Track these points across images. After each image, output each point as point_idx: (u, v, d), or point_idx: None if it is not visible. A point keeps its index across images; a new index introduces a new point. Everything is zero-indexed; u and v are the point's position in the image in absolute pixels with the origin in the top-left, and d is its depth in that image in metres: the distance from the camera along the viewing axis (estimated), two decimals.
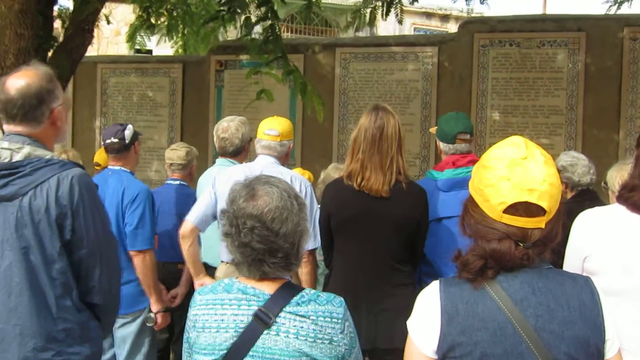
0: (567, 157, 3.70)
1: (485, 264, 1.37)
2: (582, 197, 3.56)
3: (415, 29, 16.97)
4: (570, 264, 2.09)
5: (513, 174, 1.37)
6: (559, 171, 3.67)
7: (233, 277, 1.67)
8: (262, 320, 1.53)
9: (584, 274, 2.03)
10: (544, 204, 1.36)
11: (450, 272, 2.77)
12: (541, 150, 1.44)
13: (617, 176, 2.98)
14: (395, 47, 6.45)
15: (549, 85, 6.08)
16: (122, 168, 3.47)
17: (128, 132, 3.48)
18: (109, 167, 3.50)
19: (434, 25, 17.99)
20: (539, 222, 1.37)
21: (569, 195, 3.68)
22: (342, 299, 1.62)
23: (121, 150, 3.46)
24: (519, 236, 1.37)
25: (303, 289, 1.61)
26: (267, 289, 1.59)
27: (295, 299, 1.57)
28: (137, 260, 3.30)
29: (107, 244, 2.08)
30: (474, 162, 2.93)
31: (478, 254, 1.39)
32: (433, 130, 3.22)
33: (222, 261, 3.21)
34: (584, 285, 1.41)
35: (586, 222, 2.04)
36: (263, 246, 1.56)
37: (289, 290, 1.59)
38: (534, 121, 6.11)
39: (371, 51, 6.48)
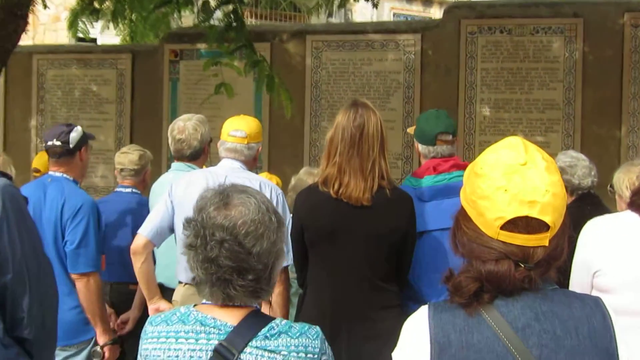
0: (565, 158, 3.73)
1: (481, 287, 1.34)
2: (582, 202, 3.59)
3: (394, 14, 17.03)
4: (578, 280, 2.08)
5: (511, 183, 1.34)
6: None
7: (191, 305, 1.59)
8: (223, 357, 1.47)
9: (594, 292, 2.03)
10: (547, 218, 1.33)
11: (432, 294, 2.77)
12: (543, 154, 1.40)
13: (625, 179, 3.00)
14: (373, 34, 6.44)
15: (543, 76, 6.14)
16: (65, 175, 3.37)
17: (74, 135, 3.38)
18: (49, 172, 3.40)
19: (416, 10, 18.09)
20: (542, 240, 1.34)
21: (569, 200, 3.70)
22: (319, 329, 1.56)
23: (63, 155, 3.36)
24: (519, 256, 1.34)
25: (273, 319, 1.54)
26: (231, 319, 1.53)
27: (264, 331, 1.51)
28: (80, 285, 3.21)
29: (38, 267, 1.97)
30: (457, 166, 2.92)
31: (472, 276, 1.34)
32: (411, 130, 3.20)
33: (180, 282, 3.15)
34: (594, 308, 1.37)
35: (595, 233, 2.03)
36: (231, 264, 1.49)
37: (256, 321, 1.52)
38: (527, 116, 6.16)
39: (346, 39, 6.47)
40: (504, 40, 6.18)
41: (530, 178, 1.34)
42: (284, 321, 1.55)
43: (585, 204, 3.55)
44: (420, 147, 3.06)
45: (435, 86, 6.31)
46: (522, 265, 1.33)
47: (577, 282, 2.08)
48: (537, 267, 1.34)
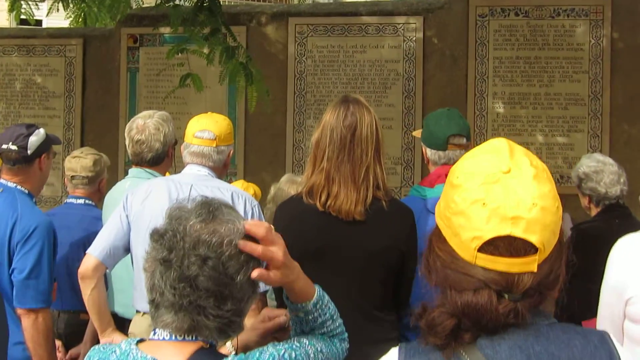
0: (590, 162, 3.74)
1: (459, 324, 1.30)
2: (610, 214, 3.60)
3: None
4: (608, 309, 2.07)
5: (490, 195, 1.30)
6: (581, 180, 3.70)
7: (134, 341, 1.56)
8: None
9: (626, 322, 2.02)
10: (533, 238, 1.28)
11: None
12: (532, 159, 1.36)
13: None
14: (368, 17, 6.44)
15: (566, 66, 6.17)
16: (19, 187, 3.32)
17: (34, 139, 3.33)
18: (1, 181, 3.35)
19: None
20: (529, 264, 1.29)
21: (594, 211, 3.73)
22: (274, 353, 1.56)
23: (19, 162, 3.31)
24: (502, 284, 1.29)
25: (224, 356, 1.52)
26: (176, 356, 1.49)
27: None
28: (26, 323, 3.15)
29: None
30: None
31: (448, 311, 1.31)
32: (417, 133, 3.22)
33: (137, 311, 3.12)
34: (599, 345, 1.33)
35: (628, 253, 2.02)
36: (212, 286, 1.47)
37: (204, 359, 1.49)
38: (548, 113, 6.19)
39: (336, 22, 6.46)
40: (519, 25, 6.21)
41: (514, 189, 1.30)
42: (236, 358, 1.52)
43: (613, 216, 3.57)
44: (429, 152, 3.08)
45: (440, 78, 6.32)
46: (506, 296, 1.30)
47: (607, 312, 2.07)
48: (525, 298, 1.30)
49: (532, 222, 1.28)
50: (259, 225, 1.57)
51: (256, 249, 1.53)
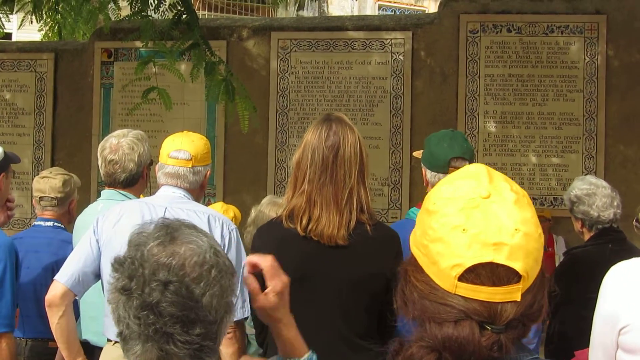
0: (582, 185, 3.76)
1: (440, 358, 1.29)
2: (603, 239, 3.62)
3: (380, 7, 17.24)
4: (600, 338, 2.08)
5: (470, 221, 1.30)
6: (573, 203, 3.72)
7: None
8: None
9: (619, 353, 2.03)
10: (517, 265, 1.28)
11: None
12: (511, 185, 1.36)
13: None
14: (354, 31, 6.50)
15: (559, 85, 6.23)
16: None
17: None
18: None
19: (406, 2, 18.32)
20: (512, 293, 1.29)
21: (587, 235, 3.74)
22: None
23: None
24: (484, 315, 1.28)
25: None
26: None
27: None
28: None
29: None
30: None
31: (427, 345, 1.29)
32: (418, 154, 3.22)
33: (108, 340, 3.09)
34: None
35: (622, 280, 2.03)
36: (177, 312, 1.45)
37: None
38: (541, 133, 6.24)
39: (320, 37, 6.50)
40: (511, 41, 6.28)
41: (495, 214, 1.30)
42: None
43: (607, 241, 3.58)
44: (429, 174, 3.09)
45: (429, 95, 6.37)
46: (489, 328, 1.28)
47: (599, 341, 2.08)
48: (508, 330, 1.29)
49: (515, 248, 1.28)
50: (265, 259, 1.57)
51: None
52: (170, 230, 1.52)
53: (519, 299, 1.29)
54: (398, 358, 1.34)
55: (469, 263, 1.28)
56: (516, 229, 1.29)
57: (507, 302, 1.29)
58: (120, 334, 1.51)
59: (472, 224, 1.30)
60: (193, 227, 1.55)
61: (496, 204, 1.31)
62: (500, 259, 1.28)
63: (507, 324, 1.28)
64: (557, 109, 6.22)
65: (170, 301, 1.44)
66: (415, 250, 1.40)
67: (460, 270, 1.29)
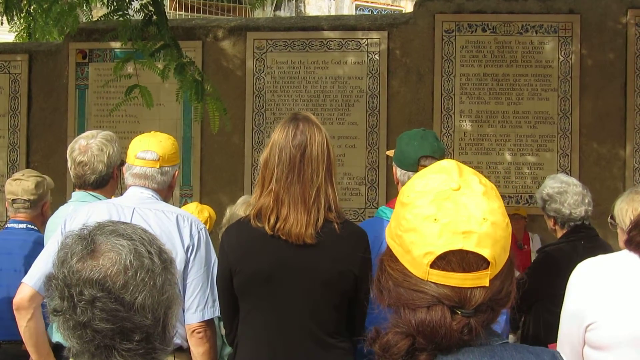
0: (554, 183, 3.78)
1: (414, 344, 1.34)
2: (575, 236, 3.64)
3: (357, 7, 17.25)
4: (568, 334, 2.09)
5: (441, 211, 1.37)
6: (545, 201, 3.74)
7: None
8: None
9: (586, 349, 2.04)
10: (485, 252, 1.34)
11: None
12: (481, 178, 1.43)
13: (629, 209, 3.04)
14: (330, 31, 6.49)
15: (534, 84, 6.27)
16: None
17: None
18: None
19: (383, 2, 18.35)
20: (481, 279, 1.35)
21: (559, 233, 3.77)
22: None
23: None
24: (455, 300, 1.35)
25: None
26: None
27: None
28: None
29: None
30: None
31: (402, 331, 1.35)
32: (391, 152, 3.24)
33: None
34: None
35: (587, 278, 2.05)
36: (110, 325, 1.45)
37: None
38: (516, 132, 6.26)
39: (296, 37, 6.50)
40: (486, 41, 6.31)
41: (465, 205, 1.37)
42: None
43: (579, 238, 3.60)
44: (399, 173, 3.10)
45: (405, 95, 6.38)
46: (459, 312, 1.34)
47: (567, 337, 2.10)
48: (477, 314, 1.35)
49: (484, 236, 1.34)
50: None
51: None
52: (87, 243, 1.50)
53: (487, 285, 1.35)
54: (375, 345, 1.38)
55: (440, 250, 1.34)
56: (484, 219, 1.35)
57: (477, 287, 1.35)
58: (69, 350, 1.51)
59: (443, 214, 1.36)
60: (112, 232, 1.53)
61: (466, 195, 1.38)
62: (470, 246, 1.34)
63: (476, 308, 1.34)
64: (532, 107, 6.26)
65: (100, 317, 1.44)
66: (390, 241, 1.45)
67: (432, 258, 1.35)
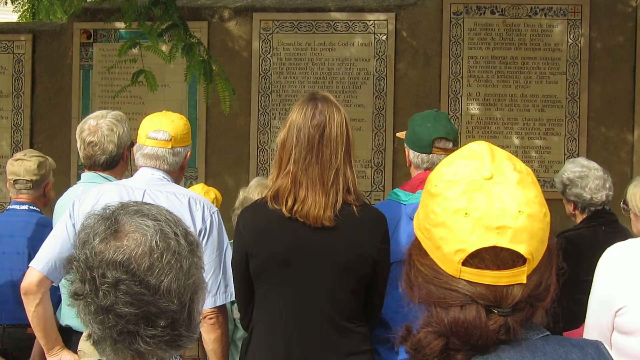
0: (574, 167, 3.75)
1: (447, 344, 1.27)
2: (596, 221, 3.61)
3: None
4: (596, 320, 2.06)
5: (472, 204, 1.28)
6: (565, 186, 3.70)
7: None
8: None
9: (614, 334, 2.00)
10: (521, 248, 1.26)
11: None
12: (515, 163, 1.34)
13: None
14: (337, 12, 6.43)
15: (542, 67, 6.22)
16: None
17: None
18: None
19: None
20: (518, 276, 1.28)
21: (579, 218, 3.74)
22: None
23: None
24: (490, 299, 1.27)
25: None
26: None
27: None
28: None
29: None
30: None
31: (434, 331, 1.28)
32: (402, 134, 3.21)
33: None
34: (596, 357, 1.34)
35: (617, 262, 2.02)
36: (135, 310, 1.40)
37: None
38: (524, 115, 6.23)
39: (303, 18, 6.44)
40: (495, 23, 6.24)
41: (498, 196, 1.27)
42: None
43: (599, 223, 3.57)
44: (412, 155, 3.06)
45: (412, 77, 6.32)
46: (496, 311, 1.27)
47: (595, 323, 2.07)
48: (515, 312, 1.28)
49: (519, 231, 1.26)
50: None
51: None
52: (111, 223, 1.45)
53: (524, 282, 1.27)
54: (406, 344, 1.32)
55: (472, 248, 1.26)
56: (519, 211, 1.26)
57: (513, 284, 1.27)
58: (89, 336, 1.47)
59: (474, 207, 1.28)
60: (137, 212, 1.48)
61: (499, 185, 1.29)
62: (504, 242, 1.25)
63: (513, 306, 1.27)
64: (540, 91, 6.20)
65: (124, 301, 1.40)
66: (419, 233, 1.37)
67: (463, 256, 1.27)
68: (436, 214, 1.31)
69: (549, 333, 1.35)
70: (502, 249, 1.26)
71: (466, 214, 1.27)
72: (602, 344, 1.37)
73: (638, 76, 6.11)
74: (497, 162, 1.32)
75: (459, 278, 1.28)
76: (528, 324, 1.31)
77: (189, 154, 3.23)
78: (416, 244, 1.38)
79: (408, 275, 1.38)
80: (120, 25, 6.25)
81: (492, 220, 1.26)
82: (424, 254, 1.34)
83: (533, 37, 6.20)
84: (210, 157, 6.52)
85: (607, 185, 3.67)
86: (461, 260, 1.27)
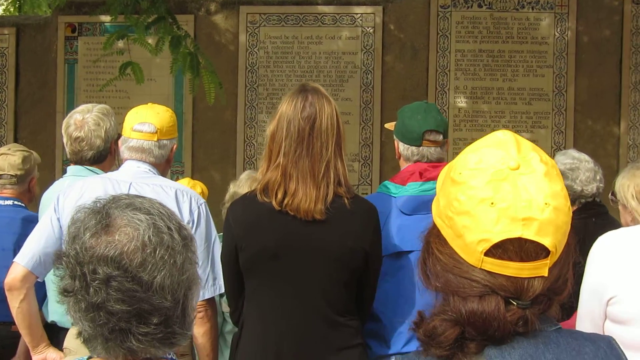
0: (565, 159, 3.74)
1: (463, 333, 1.27)
2: (587, 213, 3.61)
3: None
4: (588, 309, 2.06)
5: (499, 194, 1.27)
6: None
7: (83, 358, 1.47)
8: None
9: (607, 323, 2.00)
10: (546, 241, 1.25)
11: (405, 331, 2.73)
12: (541, 155, 1.32)
13: (631, 185, 3.01)
14: (324, 6, 6.42)
15: (530, 60, 6.23)
16: None
17: None
18: None
19: None
20: (540, 269, 1.27)
21: None
22: None
23: None
24: (511, 291, 1.27)
25: None
26: None
27: None
28: None
29: None
30: None
31: (450, 319, 1.28)
32: (390, 126, 3.18)
33: (73, 323, 3.00)
34: (609, 352, 1.33)
35: (609, 251, 2.01)
36: (127, 307, 1.36)
37: None
38: (511, 109, 6.24)
39: (290, 11, 6.42)
40: (482, 16, 6.24)
41: (524, 187, 1.26)
42: None
43: (590, 214, 3.56)
44: (401, 147, 3.03)
45: (400, 71, 6.32)
46: (515, 303, 1.26)
47: (587, 312, 2.06)
48: (534, 305, 1.28)
49: (545, 223, 1.25)
50: None
51: None
52: (103, 216, 1.42)
53: (546, 275, 1.27)
54: (419, 331, 1.30)
55: (497, 238, 1.25)
56: (546, 204, 1.26)
57: (535, 277, 1.26)
58: (79, 334, 1.44)
59: (500, 197, 1.26)
60: (129, 205, 1.45)
61: (526, 176, 1.27)
62: (530, 234, 1.25)
63: (533, 299, 1.27)
64: (527, 84, 6.22)
65: (116, 298, 1.36)
66: (439, 221, 1.35)
67: (487, 246, 1.26)
68: (460, 202, 1.29)
69: (560, 326, 1.34)
70: (526, 240, 1.25)
71: (492, 203, 1.26)
72: (614, 340, 1.36)
73: (624, 69, 6.14)
74: (523, 153, 1.31)
75: (480, 268, 1.27)
76: (543, 316, 1.31)
77: (175, 146, 3.20)
78: (435, 232, 1.36)
79: (425, 262, 1.37)
80: (105, 18, 6.24)
81: (519, 211, 1.25)
82: (444, 242, 1.33)
83: (520, 30, 6.21)
84: (197, 151, 6.50)
85: (598, 177, 3.67)
86: (484, 250, 1.26)
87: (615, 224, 3.39)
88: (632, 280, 1.95)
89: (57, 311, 3.39)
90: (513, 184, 1.26)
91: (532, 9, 6.22)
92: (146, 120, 3.07)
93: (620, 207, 3.09)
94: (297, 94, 2.63)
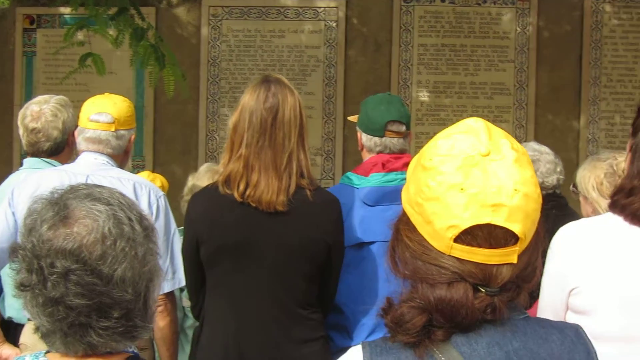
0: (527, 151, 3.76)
1: (430, 320, 1.26)
2: (547, 205, 3.61)
3: None
4: (550, 300, 2.06)
5: (469, 180, 1.26)
6: None
7: (41, 353, 1.44)
8: None
9: (568, 314, 2.00)
10: (515, 227, 1.25)
11: (369, 323, 2.74)
12: (512, 142, 1.32)
13: (591, 177, 3.04)
14: None
15: (491, 55, 6.28)
16: None
17: None
18: None
19: None
20: (509, 255, 1.27)
21: None
22: None
23: None
24: (479, 277, 1.26)
25: None
26: None
27: None
28: None
29: None
30: None
31: (418, 306, 1.27)
32: (353, 118, 3.20)
33: (29, 319, 2.95)
34: (576, 340, 1.33)
35: (570, 241, 2.02)
36: (86, 301, 1.33)
37: None
38: (473, 103, 6.28)
39: (253, 4, 6.39)
40: (445, 11, 6.27)
41: (494, 173, 1.26)
42: None
43: (551, 207, 3.58)
44: (364, 138, 3.04)
45: (363, 65, 6.32)
46: (483, 290, 1.26)
47: (549, 302, 2.07)
48: (502, 292, 1.27)
49: (514, 209, 1.25)
50: None
51: None
52: (61, 207, 1.38)
53: (515, 262, 1.26)
54: (387, 317, 1.29)
55: (466, 224, 1.24)
56: (516, 190, 1.25)
57: (503, 264, 1.26)
58: (37, 329, 1.41)
59: (470, 183, 1.25)
60: (87, 196, 1.41)
61: (496, 162, 1.27)
62: (499, 220, 1.24)
63: (501, 286, 1.26)
64: (488, 78, 6.27)
65: (75, 292, 1.33)
66: (408, 208, 1.34)
67: (456, 232, 1.25)
68: (430, 187, 1.28)
69: (528, 314, 1.34)
70: (495, 227, 1.25)
71: (462, 189, 1.25)
72: (581, 328, 1.36)
73: (584, 64, 6.22)
74: (494, 140, 1.30)
75: (449, 255, 1.26)
76: (511, 304, 1.30)
77: (133, 137, 3.15)
78: (404, 219, 1.35)
79: (394, 249, 1.36)
80: (64, 10, 6.14)
81: (488, 197, 1.24)
82: (413, 229, 1.32)
83: (482, 25, 6.26)
84: (158, 145, 6.45)
85: (558, 169, 3.70)
86: (453, 237, 1.25)
87: (575, 216, 3.42)
88: (594, 271, 1.95)
89: (13, 306, 3.33)
90: (483, 169, 1.26)
91: (494, 4, 6.27)
92: (103, 110, 3.02)
93: (581, 199, 3.11)
94: (259, 84, 2.63)
